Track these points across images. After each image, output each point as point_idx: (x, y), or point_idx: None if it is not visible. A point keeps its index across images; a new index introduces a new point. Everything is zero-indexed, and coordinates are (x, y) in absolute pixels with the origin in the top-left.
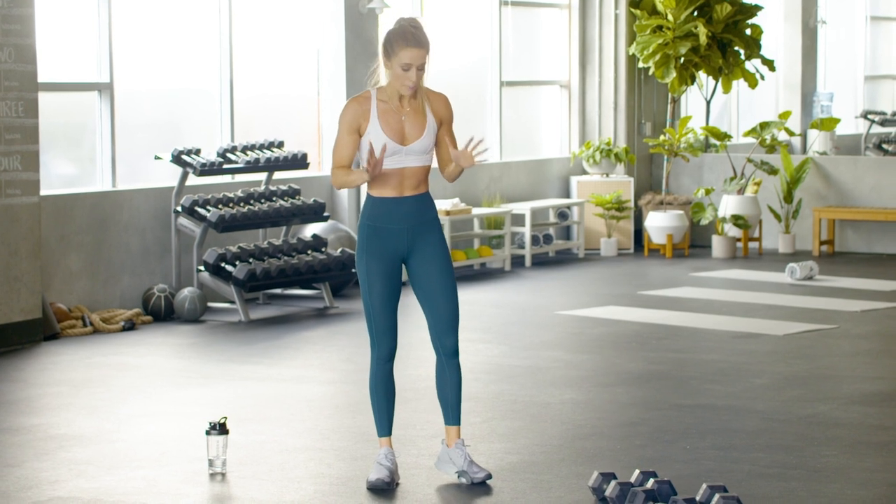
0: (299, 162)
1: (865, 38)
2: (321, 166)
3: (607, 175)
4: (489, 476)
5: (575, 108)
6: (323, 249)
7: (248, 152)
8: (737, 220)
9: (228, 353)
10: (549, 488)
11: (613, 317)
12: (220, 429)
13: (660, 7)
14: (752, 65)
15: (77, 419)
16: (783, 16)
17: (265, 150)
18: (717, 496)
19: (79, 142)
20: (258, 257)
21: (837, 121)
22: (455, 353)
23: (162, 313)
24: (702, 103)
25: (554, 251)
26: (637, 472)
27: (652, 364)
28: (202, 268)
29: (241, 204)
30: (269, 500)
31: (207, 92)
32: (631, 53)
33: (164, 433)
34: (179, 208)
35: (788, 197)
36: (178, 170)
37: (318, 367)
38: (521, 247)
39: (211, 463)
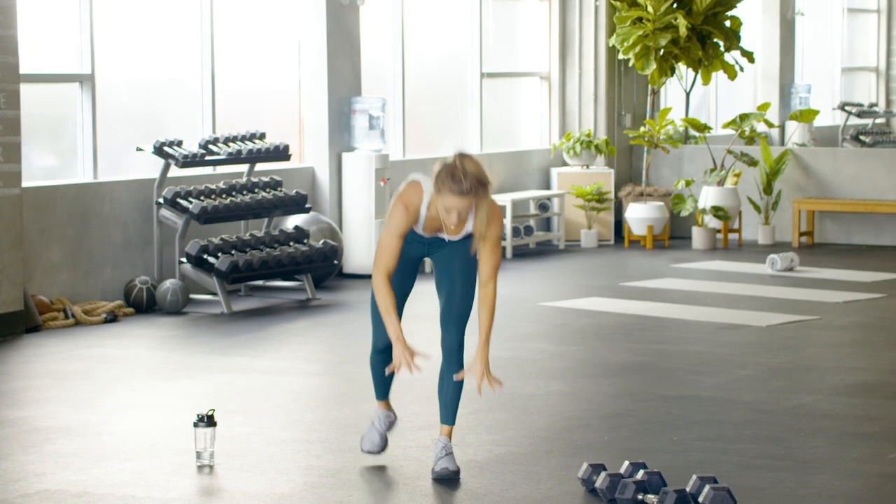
0: (281, 153)
1: (843, 30)
2: (302, 158)
3: (587, 167)
4: (450, 475)
5: (555, 100)
6: (305, 241)
7: (230, 144)
8: (717, 211)
9: (212, 345)
10: (538, 480)
11: (596, 308)
12: (208, 421)
13: None
14: (732, 56)
15: (62, 411)
16: (761, 8)
17: (247, 142)
18: (707, 487)
19: (60, 133)
20: (240, 249)
21: (816, 112)
22: (456, 348)
23: (144, 305)
24: (681, 95)
25: (534, 242)
26: (626, 463)
27: (636, 355)
28: (184, 259)
29: (224, 195)
30: (259, 493)
31: (189, 83)
32: (611, 45)
33: (151, 425)
34: (161, 200)
35: (768, 188)
36: (160, 161)
37: (302, 359)
38: (503, 238)
39: (199, 455)
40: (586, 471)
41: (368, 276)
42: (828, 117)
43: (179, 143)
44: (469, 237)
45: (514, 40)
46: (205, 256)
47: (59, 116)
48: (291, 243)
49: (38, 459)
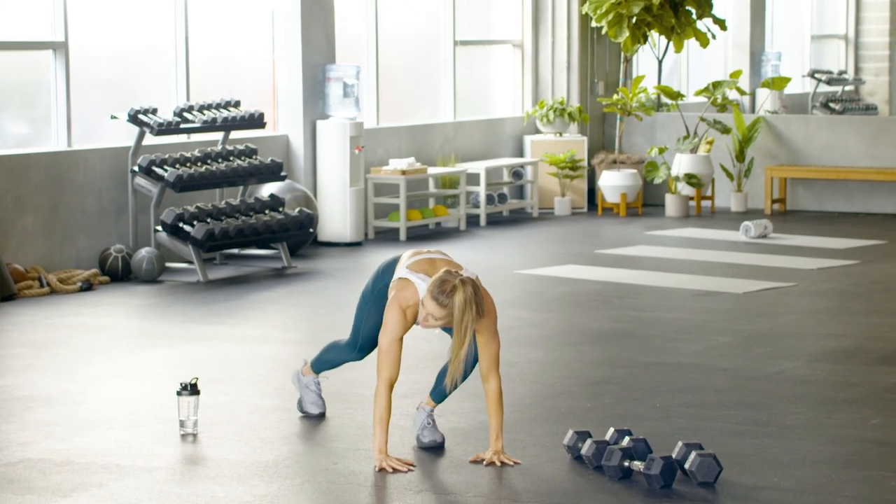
0: (256, 121)
1: None
2: (277, 126)
3: (560, 134)
4: (436, 443)
5: (528, 68)
6: (280, 209)
7: (205, 112)
8: (690, 178)
9: (189, 313)
10: (523, 447)
11: (572, 276)
12: (192, 389)
13: None
14: (704, 24)
15: (41, 380)
16: None
17: (222, 110)
18: (693, 454)
19: (33, 101)
20: (216, 217)
21: (788, 80)
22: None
23: (119, 274)
24: (654, 63)
25: (508, 210)
26: (612, 430)
27: (615, 322)
28: (159, 228)
29: (199, 164)
30: (244, 461)
31: (163, 51)
32: (584, 13)
33: (131, 394)
34: (136, 168)
35: (740, 156)
36: (135, 129)
37: (280, 328)
38: (476, 206)
39: (182, 424)
40: (571, 438)
41: (344, 244)
42: (798, 85)
43: (154, 111)
44: None
45: (488, 8)
46: (180, 225)
47: (32, 84)
48: (267, 211)
49: (19, 428)
